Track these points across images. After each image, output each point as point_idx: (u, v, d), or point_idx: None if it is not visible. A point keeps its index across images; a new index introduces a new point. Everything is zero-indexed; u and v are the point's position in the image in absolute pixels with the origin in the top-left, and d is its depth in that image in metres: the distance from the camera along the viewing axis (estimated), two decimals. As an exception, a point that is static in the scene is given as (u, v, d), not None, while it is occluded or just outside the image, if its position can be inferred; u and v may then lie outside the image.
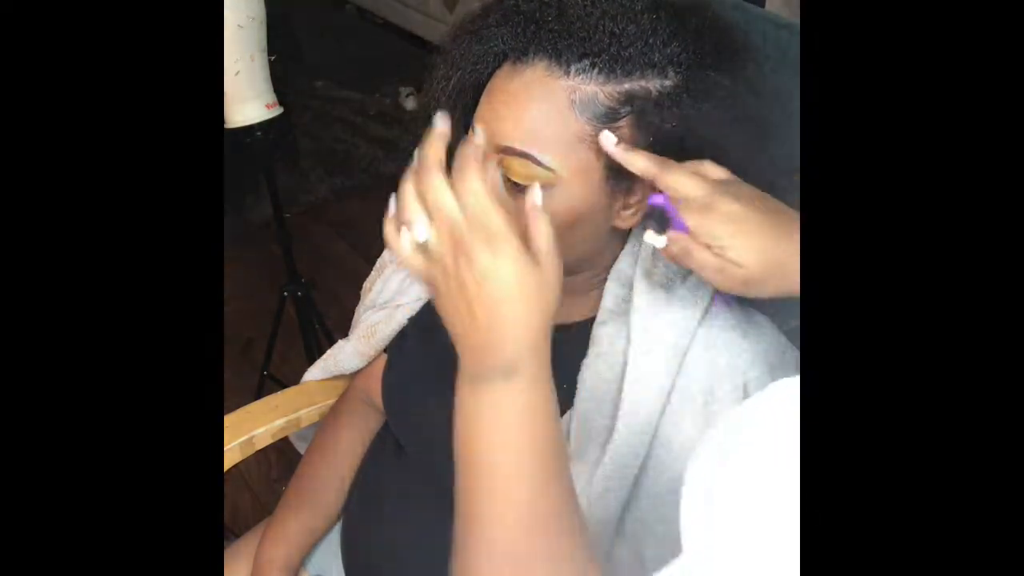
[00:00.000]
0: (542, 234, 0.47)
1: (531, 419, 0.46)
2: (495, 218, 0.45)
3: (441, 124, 0.47)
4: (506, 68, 0.58)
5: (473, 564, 0.45)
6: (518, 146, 0.56)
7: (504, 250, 0.44)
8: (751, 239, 0.51)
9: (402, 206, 0.46)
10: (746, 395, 0.61)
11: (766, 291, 0.52)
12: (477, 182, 0.45)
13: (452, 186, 0.45)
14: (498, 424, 0.45)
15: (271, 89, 1.18)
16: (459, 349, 0.47)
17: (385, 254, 0.85)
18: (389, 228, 0.48)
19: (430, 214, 0.46)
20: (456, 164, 0.46)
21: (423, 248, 0.46)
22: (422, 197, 0.46)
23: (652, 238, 0.55)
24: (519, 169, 0.56)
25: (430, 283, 0.47)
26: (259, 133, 1.20)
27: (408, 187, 0.47)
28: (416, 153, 0.47)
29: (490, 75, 0.60)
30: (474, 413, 0.46)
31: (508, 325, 0.45)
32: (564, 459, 0.47)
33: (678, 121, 0.56)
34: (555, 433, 0.47)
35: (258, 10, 1.12)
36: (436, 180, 0.45)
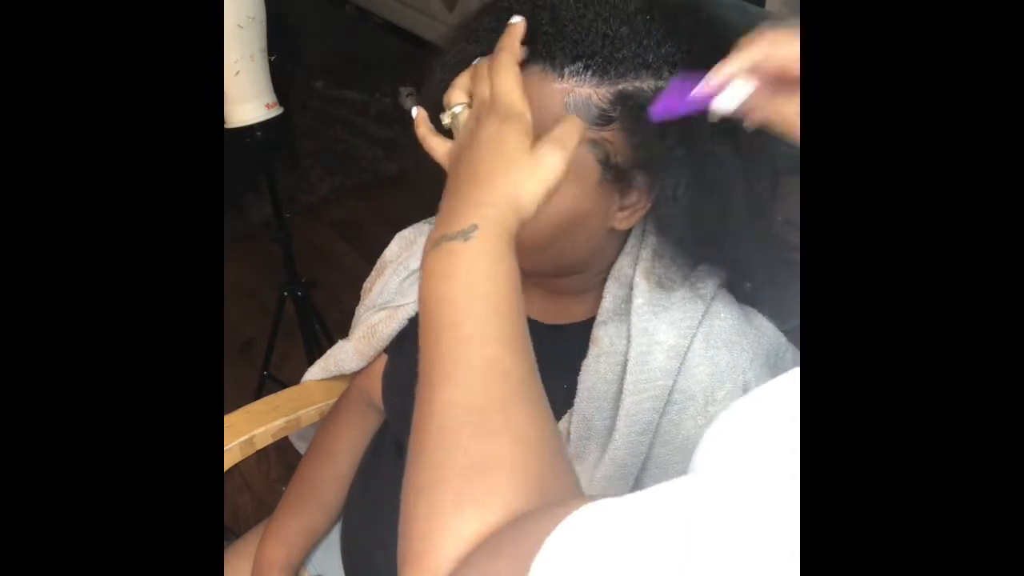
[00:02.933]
0: (560, 129, 0.49)
1: (484, 284, 0.44)
2: (518, 102, 0.49)
3: (518, 20, 0.53)
4: None
5: (431, 424, 0.42)
6: None
7: (513, 125, 0.48)
8: None
9: (451, 88, 0.53)
10: (746, 395, 0.61)
11: None
12: (513, 72, 0.50)
13: (490, 70, 0.51)
14: (454, 288, 0.44)
15: (271, 89, 1.18)
16: (440, 211, 0.48)
17: (385, 254, 0.85)
18: (425, 127, 0.54)
19: (470, 94, 0.52)
20: (496, 57, 0.51)
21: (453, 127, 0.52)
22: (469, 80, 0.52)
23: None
24: None
25: (449, 156, 0.52)
26: (259, 133, 1.20)
27: (463, 79, 0.53)
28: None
29: None
30: (432, 277, 0.45)
31: (484, 190, 0.46)
32: (523, 333, 0.45)
33: (673, 122, 0.55)
34: (514, 305, 0.44)
35: (258, 10, 1.12)
36: (484, 69, 0.51)
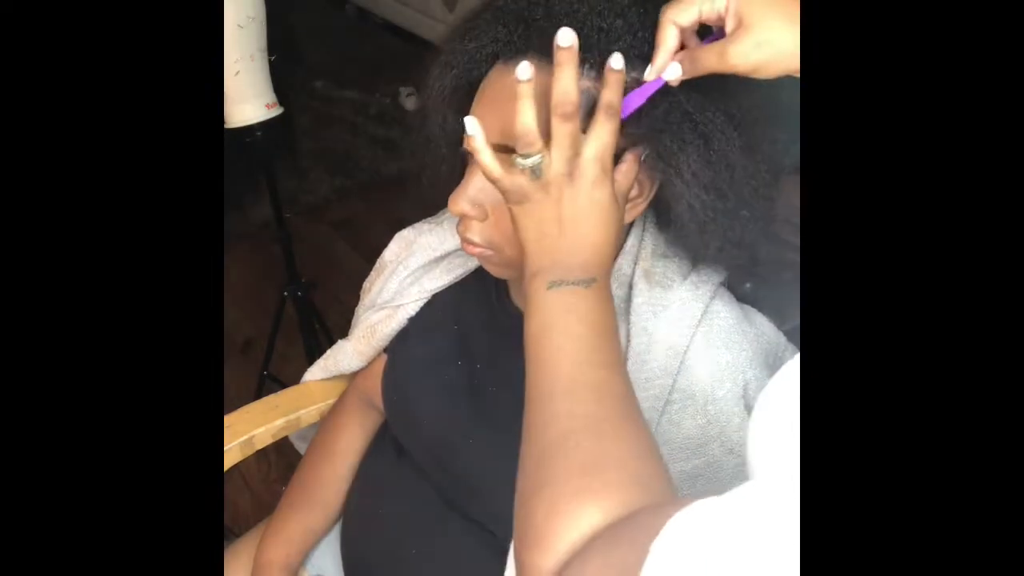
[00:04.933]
0: (623, 176, 0.56)
1: (605, 319, 0.52)
2: (609, 165, 0.54)
3: (616, 63, 0.53)
4: (498, 67, 0.59)
5: (552, 429, 0.48)
6: (511, 143, 0.56)
7: (607, 188, 0.54)
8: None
9: (525, 131, 0.53)
10: (746, 394, 0.61)
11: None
12: (612, 134, 0.54)
13: (594, 129, 0.54)
14: (573, 321, 0.51)
15: (271, 89, 1.18)
16: (538, 257, 0.54)
17: (385, 254, 0.85)
18: (487, 154, 0.55)
19: (553, 142, 0.53)
20: (604, 99, 0.53)
21: (525, 171, 0.54)
22: (536, 137, 0.53)
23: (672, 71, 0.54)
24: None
25: (522, 197, 0.54)
26: (259, 133, 1.20)
27: (528, 117, 0.53)
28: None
29: (483, 75, 0.60)
30: (552, 312, 0.52)
31: (595, 243, 0.54)
32: (622, 360, 0.52)
33: (671, 110, 0.56)
34: (617, 339, 0.52)
35: (258, 10, 1.12)
36: (569, 128, 0.53)
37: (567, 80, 0.52)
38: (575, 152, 0.53)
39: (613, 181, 0.55)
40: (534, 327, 0.52)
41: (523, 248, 0.55)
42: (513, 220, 0.56)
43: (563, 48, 0.51)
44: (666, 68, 0.53)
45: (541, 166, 0.53)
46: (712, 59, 0.52)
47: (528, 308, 0.53)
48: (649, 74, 0.54)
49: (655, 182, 0.59)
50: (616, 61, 0.53)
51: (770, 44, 0.50)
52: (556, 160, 0.53)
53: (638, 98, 0.55)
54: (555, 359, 0.50)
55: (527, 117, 0.52)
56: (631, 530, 0.38)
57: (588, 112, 0.55)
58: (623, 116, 0.55)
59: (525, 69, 0.52)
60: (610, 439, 0.46)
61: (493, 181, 0.55)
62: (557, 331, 0.51)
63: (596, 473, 0.44)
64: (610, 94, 0.53)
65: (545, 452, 0.47)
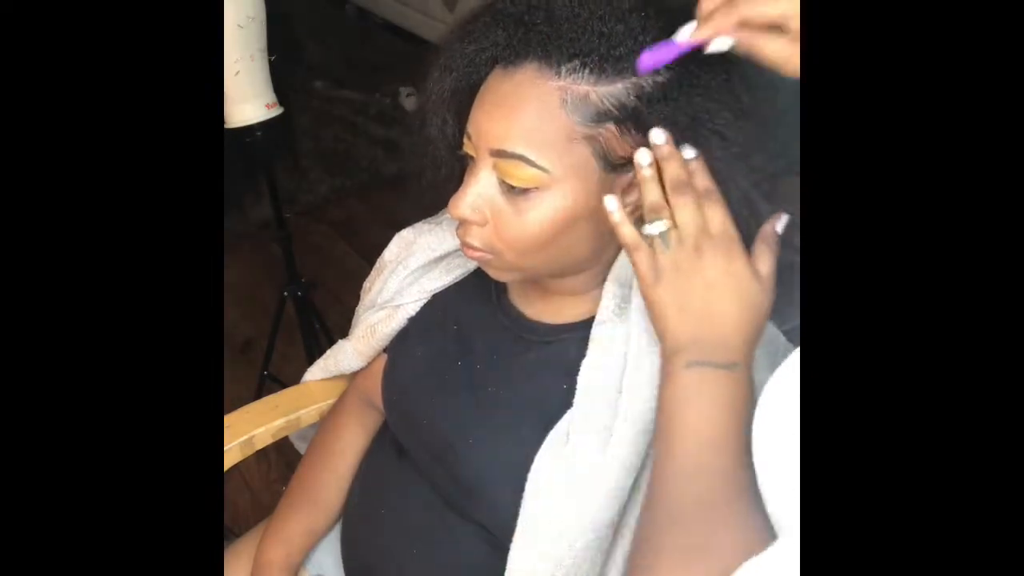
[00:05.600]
0: (766, 258, 0.56)
1: (741, 405, 0.52)
2: (735, 236, 0.55)
3: (659, 138, 0.55)
4: (497, 71, 0.59)
5: (656, 510, 0.49)
6: (511, 148, 0.56)
7: (740, 260, 0.55)
8: None
9: (652, 200, 0.56)
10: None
11: None
12: (723, 205, 0.55)
13: (704, 199, 0.55)
14: (714, 405, 0.51)
15: (271, 89, 1.18)
16: (676, 335, 0.55)
17: (385, 254, 0.85)
18: (627, 227, 0.57)
19: (675, 216, 0.55)
20: (699, 185, 0.55)
21: (654, 242, 0.56)
22: (664, 207, 0.55)
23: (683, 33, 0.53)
24: (513, 171, 0.56)
25: (650, 271, 0.56)
26: (259, 133, 1.20)
27: (655, 188, 0.56)
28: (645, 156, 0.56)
29: (483, 78, 0.60)
30: (694, 393, 0.52)
31: (733, 326, 0.54)
32: (738, 443, 0.51)
33: (672, 116, 0.56)
34: (737, 419, 0.52)
35: (258, 10, 1.12)
36: (687, 196, 0.55)
37: (674, 166, 0.55)
38: (700, 224, 0.55)
39: (747, 255, 0.55)
40: (667, 404, 0.53)
41: (660, 331, 0.56)
42: (648, 301, 0.57)
43: (659, 146, 0.55)
44: (713, 40, 0.51)
45: (668, 233, 0.55)
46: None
47: (663, 384, 0.54)
48: (693, 34, 0.52)
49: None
50: (688, 150, 0.56)
51: None
52: (685, 230, 0.55)
53: (663, 57, 0.53)
54: (681, 439, 0.51)
55: (653, 195, 0.56)
56: None
57: (590, 116, 0.55)
58: (642, 71, 0.55)
59: (645, 156, 0.55)
60: (719, 527, 0.47)
61: (632, 251, 0.57)
62: (688, 411, 0.52)
63: (697, 561, 0.45)
64: (700, 181, 0.56)
65: (656, 528, 0.49)
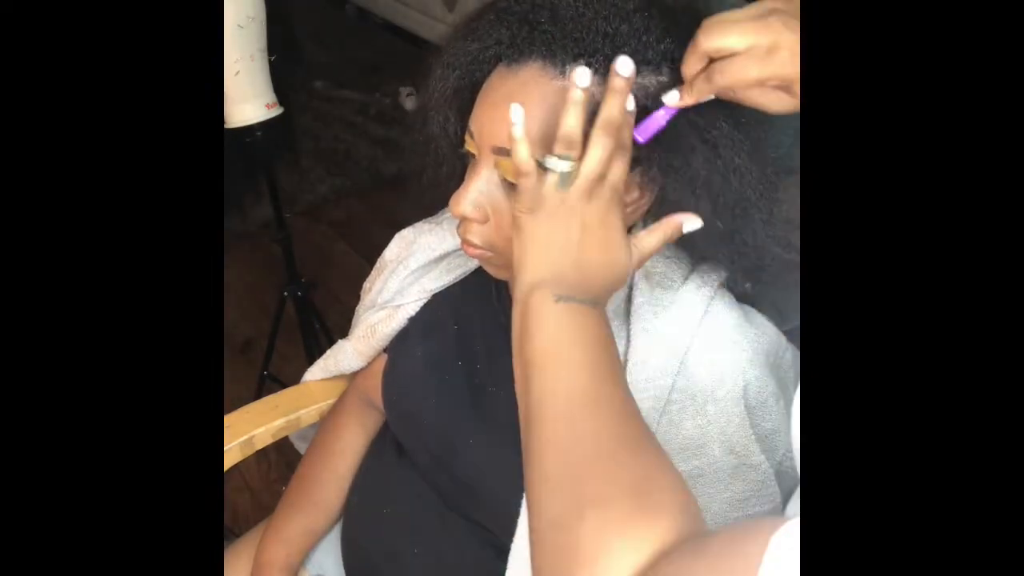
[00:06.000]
0: (654, 238, 0.56)
1: (603, 339, 0.51)
2: (621, 196, 0.54)
3: (624, 68, 0.52)
4: (501, 69, 0.58)
5: (582, 448, 0.46)
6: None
7: (617, 218, 0.54)
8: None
9: (570, 129, 0.53)
10: (746, 395, 0.61)
11: None
12: (626, 160, 0.54)
13: (614, 153, 0.54)
14: (588, 338, 0.51)
15: (271, 89, 1.18)
16: (538, 268, 0.53)
17: (385, 254, 0.85)
18: (523, 146, 0.54)
19: (587, 154, 0.53)
20: (619, 145, 0.53)
21: (552, 176, 0.54)
22: (577, 142, 0.53)
23: (670, 98, 0.55)
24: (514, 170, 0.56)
25: (538, 203, 0.54)
26: (259, 133, 1.20)
27: (573, 120, 0.53)
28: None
29: (485, 76, 0.60)
30: (564, 326, 0.51)
31: (603, 266, 0.54)
32: (624, 378, 0.51)
33: (676, 118, 0.56)
34: (616, 356, 0.52)
35: (258, 10, 1.12)
36: (608, 141, 0.53)
37: (616, 104, 0.52)
38: (603, 172, 0.53)
39: (624, 212, 0.55)
40: (543, 339, 0.51)
41: (519, 255, 0.54)
42: (517, 225, 0.55)
43: (621, 76, 0.52)
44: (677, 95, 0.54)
45: (570, 175, 0.53)
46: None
47: (528, 318, 0.51)
48: (666, 99, 0.55)
49: (657, 186, 0.59)
50: (629, 103, 0.53)
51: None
52: (586, 171, 0.53)
53: (656, 124, 0.55)
54: (573, 375, 0.49)
55: (574, 120, 0.52)
56: (726, 556, 0.37)
57: (589, 117, 0.55)
58: (643, 141, 0.55)
59: (584, 76, 0.52)
60: (648, 460, 0.46)
61: (520, 175, 0.54)
62: (573, 346, 0.50)
63: (645, 495, 0.43)
64: (626, 132, 0.54)
65: (581, 472, 0.45)
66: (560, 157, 0.53)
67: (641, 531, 0.41)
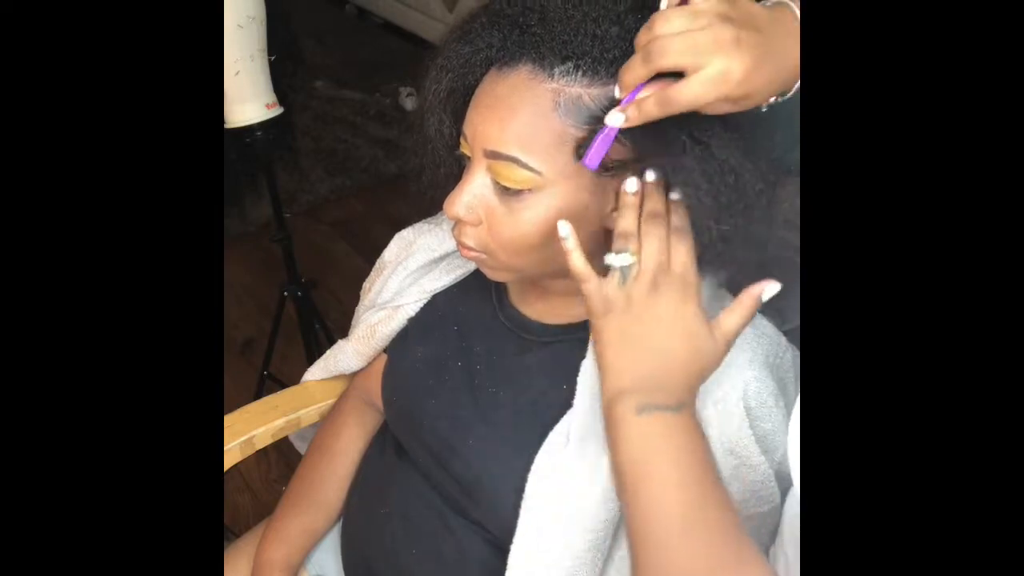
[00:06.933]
0: (736, 317, 0.55)
1: (700, 450, 0.51)
2: (694, 280, 0.54)
3: (631, 186, 0.56)
4: (492, 73, 0.59)
5: (644, 563, 0.48)
6: (504, 150, 0.56)
7: (694, 303, 0.54)
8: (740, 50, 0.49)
9: (625, 226, 0.54)
10: (746, 395, 0.61)
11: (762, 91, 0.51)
12: (691, 246, 0.55)
13: (673, 237, 0.55)
14: (673, 452, 0.50)
15: (271, 89, 1.18)
16: (618, 376, 0.53)
17: (385, 254, 0.85)
18: (578, 255, 0.55)
19: (642, 249, 0.54)
20: (674, 222, 0.55)
21: (614, 271, 0.54)
22: (633, 236, 0.54)
23: (612, 119, 0.53)
24: (507, 173, 0.56)
25: (607, 306, 0.54)
26: (259, 133, 1.20)
27: (632, 217, 0.55)
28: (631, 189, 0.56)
29: (478, 79, 0.60)
30: (649, 441, 0.51)
31: (681, 368, 0.52)
32: (718, 476, 0.52)
33: (665, 121, 0.55)
34: (708, 462, 0.52)
35: (258, 10, 1.12)
36: (659, 230, 0.54)
37: (657, 199, 0.55)
38: (662, 261, 0.54)
39: (700, 299, 0.54)
40: (631, 456, 0.51)
41: (601, 364, 0.55)
42: (593, 332, 0.55)
43: (629, 193, 0.55)
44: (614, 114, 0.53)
45: (631, 268, 0.54)
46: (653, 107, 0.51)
47: (615, 432, 0.52)
48: (608, 119, 0.53)
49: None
50: (673, 195, 0.55)
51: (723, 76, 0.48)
52: (646, 264, 0.54)
53: (603, 147, 0.54)
54: (662, 494, 0.49)
55: (629, 222, 0.54)
56: None
57: (584, 119, 0.55)
58: (593, 167, 0.55)
59: (632, 183, 0.54)
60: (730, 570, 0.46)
61: (581, 280, 0.55)
62: (660, 462, 0.50)
63: None
64: (677, 218, 0.55)
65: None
66: (618, 252, 0.54)
67: None
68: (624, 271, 0.54)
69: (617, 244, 0.54)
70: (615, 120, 0.52)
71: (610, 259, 0.54)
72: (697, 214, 0.57)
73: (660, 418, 0.51)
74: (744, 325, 0.55)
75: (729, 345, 0.55)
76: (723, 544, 0.48)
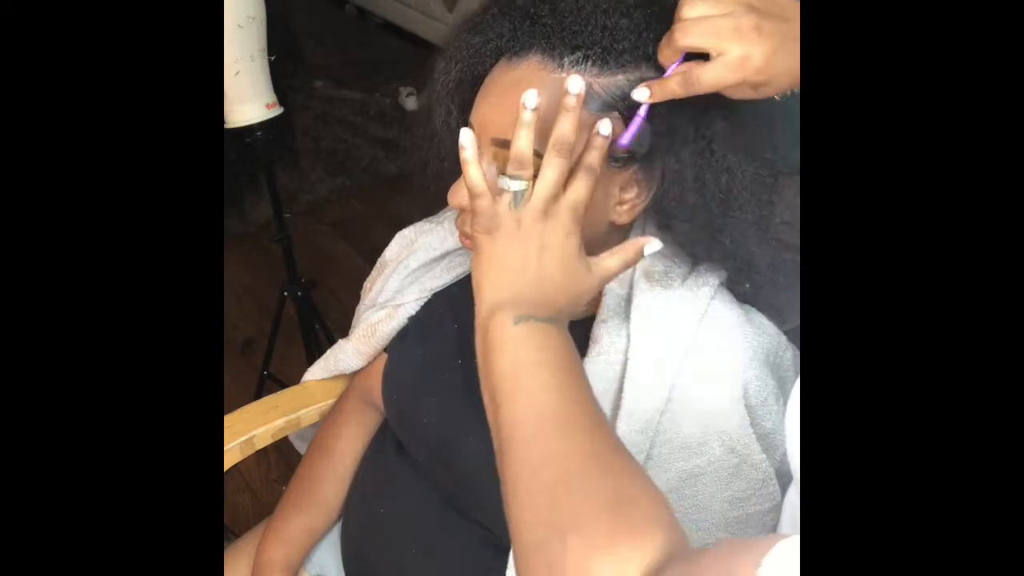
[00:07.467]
0: (616, 259, 0.56)
1: (574, 359, 0.51)
2: (581, 219, 0.54)
3: (604, 129, 0.53)
4: (502, 62, 0.59)
5: (515, 478, 0.47)
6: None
7: (576, 238, 0.54)
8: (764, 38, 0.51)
9: (520, 148, 0.53)
10: (746, 394, 0.61)
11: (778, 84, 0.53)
12: (588, 185, 0.54)
13: (574, 172, 0.54)
14: (550, 357, 0.50)
15: (271, 89, 1.18)
16: (497, 290, 0.53)
17: (385, 253, 0.85)
18: (475, 168, 0.54)
19: (542, 172, 0.53)
20: (588, 158, 0.54)
21: (507, 195, 0.54)
22: (529, 162, 0.53)
23: (639, 94, 0.54)
24: None
25: (494, 224, 0.54)
26: (259, 133, 1.20)
27: (525, 142, 0.53)
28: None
29: (487, 69, 0.60)
30: (525, 347, 0.51)
31: (561, 286, 0.53)
32: (591, 395, 0.51)
33: (674, 112, 0.56)
34: (582, 372, 0.51)
35: (258, 10, 1.12)
36: (562, 162, 0.53)
37: (568, 123, 0.52)
38: (557, 191, 0.53)
39: (582, 235, 0.54)
40: (505, 362, 0.50)
41: (476, 278, 0.54)
42: (475, 247, 0.55)
43: (571, 94, 0.52)
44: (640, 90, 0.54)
45: (523, 193, 0.53)
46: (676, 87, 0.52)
47: (490, 342, 0.51)
48: (634, 93, 0.54)
49: (654, 183, 0.59)
50: (604, 127, 0.53)
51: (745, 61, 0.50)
52: (539, 191, 0.53)
53: (635, 125, 0.55)
54: (538, 396, 0.49)
55: (524, 140, 0.52)
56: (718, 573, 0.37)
57: (592, 108, 0.55)
58: (625, 144, 0.55)
59: (532, 97, 0.52)
60: (624, 478, 0.45)
61: (473, 196, 0.54)
62: (536, 367, 0.50)
63: (623, 513, 0.42)
64: (591, 156, 0.53)
65: (556, 495, 0.44)
66: (512, 177, 0.53)
67: (625, 551, 0.40)
68: (517, 196, 0.53)
69: (510, 167, 0.53)
70: (640, 95, 0.54)
71: (505, 182, 0.53)
72: (692, 211, 0.58)
73: (537, 328, 0.51)
74: (621, 269, 0.56)
75: (603, 283, 0.56)
76: (598, 442, 0.47)
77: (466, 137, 0.53)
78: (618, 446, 0.47)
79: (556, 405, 0.48)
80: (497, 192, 0.54)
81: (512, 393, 0.49)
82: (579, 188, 0.53)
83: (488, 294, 0.53)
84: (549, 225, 0.53)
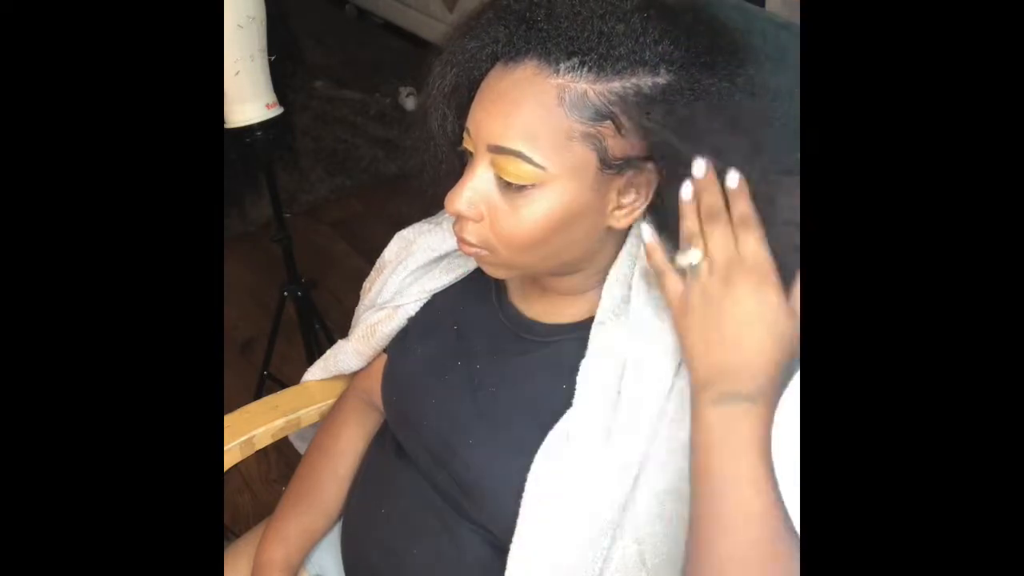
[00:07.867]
0: (796, 292, 0.53)
1: (754, 445, 0.51)
2: (768, 266, 0.53)
3: (699, 170, 0.56)
4: (498, 68, 0.59)
5: (713, 555, 0.49)
6: (508, 144, 0.56)
7: (771, 289, 0.53)
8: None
9: (688, 228, 0.55)
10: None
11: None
12: (759, 233, 0.53)
13: (738, 226, 0.54)
14: (741, 440, 0.51)
15: (271, 89, 1.18)
16: (704, 367, 0.54)
17: (385, 253, 0.85)
18: (656, 252, 0.57)
19: (707, 245, 0.54)
20: (736, 212, 0.54)
21: (686, 271, 0.55)
22: (702, 232, 0.55)
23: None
24: (510, 168, 0.57)
25: (680, 301, 0.56)
26: (259, 133, 1.20)
27: (692, 217, 0.55)
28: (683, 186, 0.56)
29: (483, 74, 0.60)
30: (719, 428, 0.52)
31: (760, 355, 0.52)
32: (774, 483, 0.51)
33: (671, 120, 0.55)
34: (767, 463, 0.51)
35: (258, 10, 1.12)
36: (721, 224, 0.54)
37: (712, 195, 0.55)
38: (733, 251, 0.54)
39: (777, 285, 0.54)
40: (702, 444, 0.53)
41: (688, 359, 0.56)
42: (680, 336, 0.57)
43: (698, 177, 0.55)
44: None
45: (699, 266, 0.54)
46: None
47: (694, 424, 0.54)
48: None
49: (653, 185, 0.59)
50: (732, 179, 0.55)
51: None
52: (715, 256, 0.54)
53: None
54: (719, 486, 0.51)
55: (691, 222, 0.55)
56: None
57: (589, 115, 0.55)
58: None
59: (687, 191, 0.55)
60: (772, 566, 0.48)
61: (660, 278, 0.57)
62: (721, 453, 0.52)
63: None
64: (741, 205, 0.54)
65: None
66: (684, 251, 0.55)
67: None
68: (693, 268, 0.55)
69: (683, 245, 0.55)
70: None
71: (679, 260, 0.55)
72: (678, 207, 0.58)
73: (731, 413, 0.52)
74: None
75: (797, 321, 0.54)
76: (774, 542, 0.49)
77: (647, 232, 0.58)
78: (789, 548, 0.49)
79: (707, 502, 0.51)
80: (679, 272, 0.56)
81: (707, 479, 0.52)
82: (750, 239, 0.54)
83: (697, 371, 0.55)
84: (738, 289, 0.53)
